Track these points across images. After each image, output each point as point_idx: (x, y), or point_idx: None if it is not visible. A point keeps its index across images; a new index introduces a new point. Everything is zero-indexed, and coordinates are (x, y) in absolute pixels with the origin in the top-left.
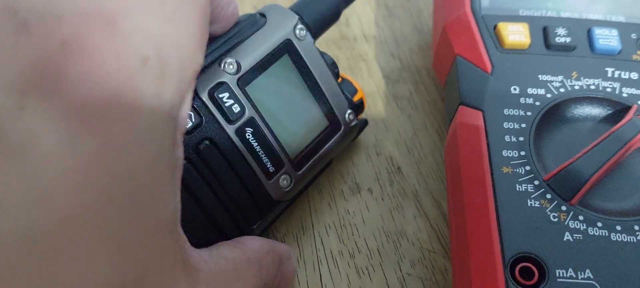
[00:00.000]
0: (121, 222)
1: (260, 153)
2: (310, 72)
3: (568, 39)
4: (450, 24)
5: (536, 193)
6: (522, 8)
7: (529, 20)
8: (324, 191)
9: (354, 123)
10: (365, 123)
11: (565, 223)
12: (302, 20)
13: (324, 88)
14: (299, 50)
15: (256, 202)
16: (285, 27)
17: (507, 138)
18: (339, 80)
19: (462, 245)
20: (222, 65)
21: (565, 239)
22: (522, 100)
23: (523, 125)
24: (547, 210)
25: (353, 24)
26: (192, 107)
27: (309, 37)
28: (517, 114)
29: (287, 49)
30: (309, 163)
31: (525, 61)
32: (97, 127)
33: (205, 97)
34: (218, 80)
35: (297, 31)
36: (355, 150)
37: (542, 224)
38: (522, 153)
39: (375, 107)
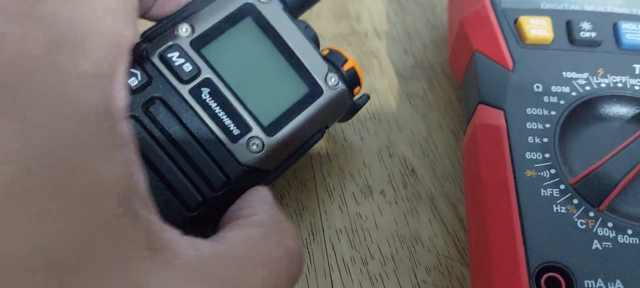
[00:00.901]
0: (49, 199)
1: (220, 115)
2: (278, 35)
3: (593, 34)
4: (467, 18)
5: (562, 199)
6: (544, 1)
7: (552, 13)
8: (335, 193)
9: (339, 87)
10: (366, 98)
11: (594, 230)
12: None
13: (297, 51)
14: (263, 13)
15: (219, 165)
16: None
17: (530, 139)
18: (325, 51)
19: (482, 253)
20: (175, 30)
21: (593, 247)
22: (545, 98)
23: (547, 126)
24: (574, 217)
25: (364, 19)
26: (141, 68)
27: (276, 2)
28: (541, 113)
29: (248, 11)
30: (286, 128)
31: (548, 57)
32: (8, 108)
33: (155, 59)
34: (170, 44)
35: None
36: (367, 150)
37: (569, 231)
38: (547, 155)
39: (388, 105)
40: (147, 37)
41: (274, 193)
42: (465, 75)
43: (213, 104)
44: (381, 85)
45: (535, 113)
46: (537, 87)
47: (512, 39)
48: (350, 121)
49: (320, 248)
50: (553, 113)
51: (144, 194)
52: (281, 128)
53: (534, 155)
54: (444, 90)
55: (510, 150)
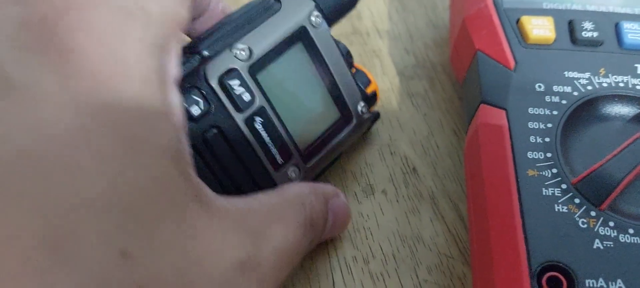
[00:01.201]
0: (116, 147)
1: (268, 144)
2: (324, 61)
3: (595, 34)
4: (470, 17)
5: (564, 198)
6: (546, 1)
7: (554, 13)
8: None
9: (366, 115)
10: (377, 116)
11: (595, 229)
12: (317, 6)
13: (338, 78)
14: (314, 38)
15: (256, 183)
16: (300, 13)
17: (532, 139)
18: (353, 70)
19: (484, 252)
20: (234, 51)
21: (595, 247)
22: (547, 98)
23: (549, 125)
24: (575, 216)
25: (365, 18)
26: (201, 93)
27: (324, 25)
28: (543, 113)
29: (301, 36)
30: (319, 155)
31: (550, 57)
32: (85, 69)
33: (214, 83)
34: (229, 67)
35: (313, 18)
36: (368, 149)
37: (571, 231)
38: (549, 155)
39: (389, 104)
40: (204, 57)
41: None
42: (467, 75)
43: (263, 133)
44: (383, 85)
45: (537, 113)
46: (539, 86)
47: (514, 38)
48: None
49: (322, 247)
50: (555, 113)
51: (190, 159)
52: (316, 154)
53: (535, 154)
54: (446, 90)
55: (512, 150)
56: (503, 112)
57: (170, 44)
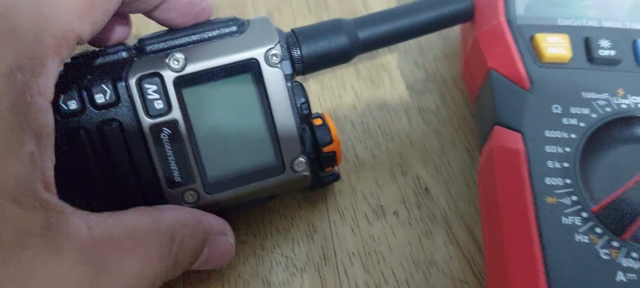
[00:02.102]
0: None
1: (169, 159)
2: (268, 102)
3: (612, 52)
4: (482, 34)
5: (584, 227)
6: (561, 17)
7: (569, 30)
8: (346, 214)
9: (302, 173)
10: (335, 177)
11: (617, 261)
12: (291, 45)
13: (279, 125)
14: (264, 75)
15: (149, 203)
16: (258, 46)
17: (550, 164)
18: (318, 122)
19: (500, 283)
20: (168, 58)
21: (618, 279)
22: (565, 120)
23: (567, 149)
24: (596, 246)
25: None
26: (113, 85)
27: (282, 66)
28: (560, 136)
29: (250, 68)
30: (227, 191)
31: (566, 76)
32: None
33: (132, 81)
34: (153, 70)
35: (270, 55)
36: (379, 168)
37: (592, 262)
38: (568, 181)
39: (400, 121)
40: (141, 49)
41: (285, 214)
42: (480, 93)
43: (167, 146)
44: (392, 100)
45: (554, 136)
46: (556, 108)
47: (528, 57)
48: (361, 138)
49: (333, 272)
50: (573, 136)
51: (49, 179)
52: (223, 190)
53: (554, 180)
54: (457, 105)
55: (530, 175)
56: (519, 135)
57: (42, 63)
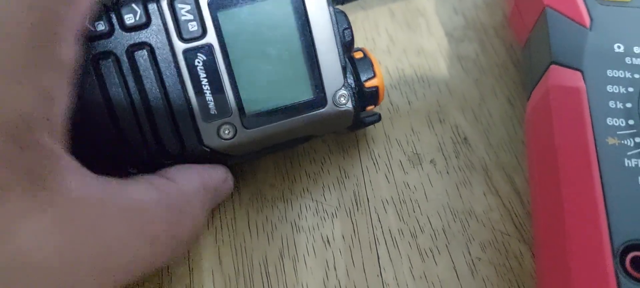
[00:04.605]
0: None
1: (204, 88)
2: (309, 28)
3: None
4: None
5: None
6: None
7: None
8: (380, 161)
9: (344, 107)
10: (376, 118)
11: None
12: None
13: (320, 54)
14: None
15: (181, 137)
16: None
17: (611, 104)
18: (359, 55)
19: (554, 229)
20: None
21: None
22: (627, 60)
23: (630, 90)
24: None
25: None
26: (144, 7)
27: None
28: (623, 76)
29: None
30: (265, 127)
31: (629, 15)
32: None
33: (164, 1)
34: None
35: None
36: (415, 115)
37: None
38: (631, 122)
39: (437, 68)
40: None
41: (315, 158)
42: (532, 34)
43: (202, 74)
44: (429, 46)
45: (616, 75)
46: (619, 47)
47: None
48: (396, 85)
49: (365, 219)
50: (637, 76)
51: (56, 122)
52: (261, 124)
53: (616, 121)
54: (498, 55)
55: (590, 115)
56: (578, 74)
57: None
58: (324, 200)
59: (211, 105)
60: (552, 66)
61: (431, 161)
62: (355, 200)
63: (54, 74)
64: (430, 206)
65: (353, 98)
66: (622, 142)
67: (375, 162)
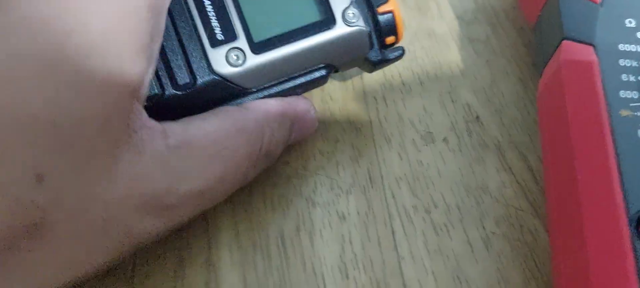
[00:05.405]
0: (61, 72)
1: (209, 13)
2: None
3: None
4: None
5: None
6: None
7: None
8: (393, 140)
9: (356, 26)
10: (400, 53)
11: None
12: None
13: None
14: None
15: (189, 65)
16: None
17: (624, 77)
18: None
19: (568, 201)
20: None
21: None
22: (639, 35)
23: None
24: None
25: None
26: None
27: None
28: (635, 50)
29: None
30: (276, 51)
31: None
32: None
33: None
34: None
35: None
36: (427, 95)
37: None
38: None
39: (448, 50)
40: None
41: (328, 137)
42: (542, 12)
43: (206, 1)
44: (440, 29)
45: (628, 49)
46: (630, 22)
47: None
48: (408, 66)
49: (380, 195)
50: None
51: (145, 86)
52: (271, 49)
53: (629, 94)
54: (509, 36)
55: (603, 88)
56: (590, 48)
57: None
58: (338, 177)
59: (217, 30)
60: (564, 41)
61: (444, 139)
62: (369, 177)
63: (159, 42)
64: (444, 183)
65: (367, 19)
66: (636, 113)
67: (388, 141)
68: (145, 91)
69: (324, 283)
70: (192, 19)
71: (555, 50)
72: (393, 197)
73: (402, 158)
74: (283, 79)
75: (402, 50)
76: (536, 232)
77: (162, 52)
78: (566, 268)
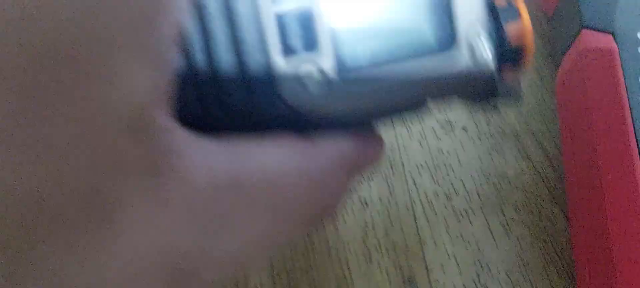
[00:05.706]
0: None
1: (283, 12)
2: None
3: None
4: None
5: None
6: None
7: None
8: (413, 128)
9: (483, 61)
10: (515, 91)
11: None
12: None
13: None
14: None
15: (248, 79)
16: None
17: None
18: (501, 1)
19: (590, 186)
20: None
21: None
22: None
23: None
24: None
25: None
26: None
27: None
28: None
29: None
30: (367, 71)
31: None
32: None
33: None
34: None
35: None
36: None
37: None
38: None
39: None
40: None
41: None
42: (560, 2)
43: None
44: None
45: None
46: None
47: None
48: None
49: (401, 182)
50: None
51: (168, 94)
52: (363, 68)
53: None
54: None
55: (623, 75)
56: (610, 36)
57: None
58: None
59: (292, 35)
60: (584, 30)
61: (463, 128)
62: (390, 165)
63: (170, 37)
64: (464, 170)
65: (495, 51)
66: None
67: (408, 129)
68: (170, 95)
69: (348, 268)
70: (257, 11)
71: (574, 40)
72: (414, 183)
73: (423, 147)
74: (367, 113)
75: (520, 94)
76: (554, 218)
77: (207, 53)
78: (588, 254)
